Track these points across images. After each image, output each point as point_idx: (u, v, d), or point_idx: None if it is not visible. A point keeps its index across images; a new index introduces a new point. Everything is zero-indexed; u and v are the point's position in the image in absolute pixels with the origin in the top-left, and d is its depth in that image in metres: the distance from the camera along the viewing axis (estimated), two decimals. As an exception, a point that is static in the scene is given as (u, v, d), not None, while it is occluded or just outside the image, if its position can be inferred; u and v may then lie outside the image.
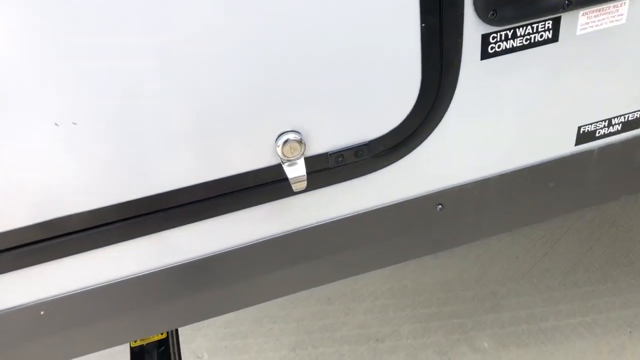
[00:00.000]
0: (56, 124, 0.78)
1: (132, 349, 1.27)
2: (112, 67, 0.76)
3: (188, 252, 1.00)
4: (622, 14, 0.96)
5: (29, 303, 0.93)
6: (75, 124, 0.79)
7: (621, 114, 1.07)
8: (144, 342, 1.28)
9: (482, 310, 2.11)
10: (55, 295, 0.94)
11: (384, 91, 0.91)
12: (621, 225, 2.35)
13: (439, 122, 0.97)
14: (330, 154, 0.94)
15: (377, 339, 2.09)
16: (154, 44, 0.76)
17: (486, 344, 2.00)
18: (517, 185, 1.11)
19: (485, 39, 0.91)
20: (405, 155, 0.99)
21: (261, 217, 0.99)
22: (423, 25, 0.86)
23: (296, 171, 0.91)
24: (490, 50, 0.93)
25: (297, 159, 0.90)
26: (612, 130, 1.09)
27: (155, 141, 0.85)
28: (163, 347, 1.26)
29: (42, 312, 0.94)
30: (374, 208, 1.04)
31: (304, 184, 0.92)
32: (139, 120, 0.82)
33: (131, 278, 0.98)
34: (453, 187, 1.07)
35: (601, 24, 0.96)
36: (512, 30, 0.92)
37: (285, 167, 0.90)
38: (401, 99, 0.93)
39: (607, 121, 1.08)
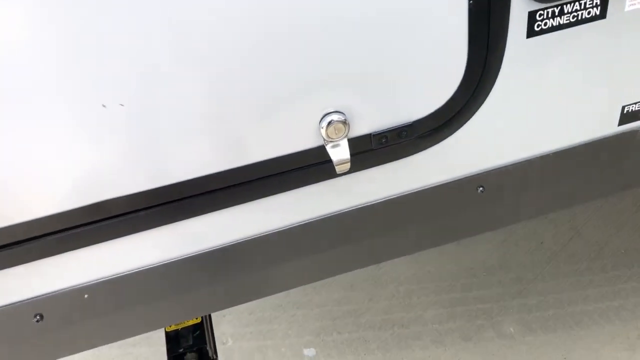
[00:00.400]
0: (103, 105, 0.77)
1: (167, 334, 1.27)
2: (153, 47, 0.75)
3: (222, 238, 0.99)
4: (671, -11, 0.93)
5: (73, 286, 0.93)
6: (122, 105, 0.78)
7: (666, 93, 1.05)
8: (179, 327, 1.28)
9: (507, 295, 2.10)
10: (99, 279, 0.94)
11: (429, 71, 0.89)
12: (646, 210, 2.33)
13: (483, 102, 0.95)
14: (373, 135, 0.92)
15: (402, 325, 2.08)
16: (196, 22, 0.75)
17: (512, 329, 1.99)
18: (559, 166, 1.09)
19: (532, 16, 0.89)
20: (448, 136, 0.97)
21: (301, 201, 0.98)
22: (471, 2, 0.84)
23: (340, 153, 0.89)
24: (536, 28, 0.91)
25: (341, 140, 0.89)
26: (656, 110, 1.07)
27: (198, 123, 0.84)
28: (198, 332, 1.26)
29: (85, 296, 0.94)
30: (415, 190, 1.03)
31: (347, 166, 0.91)
32: (186, 102, 0.81)
33: (167, 263, 0.98)
34: (494, 169, 1.05)
35: (650, 0, 0.93)
36: (559, 7, 0.90)
37: (329, 149, 0.89)
38: (446, 78, 0.91)
39: (651, 100, 1.06)
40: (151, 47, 0.75)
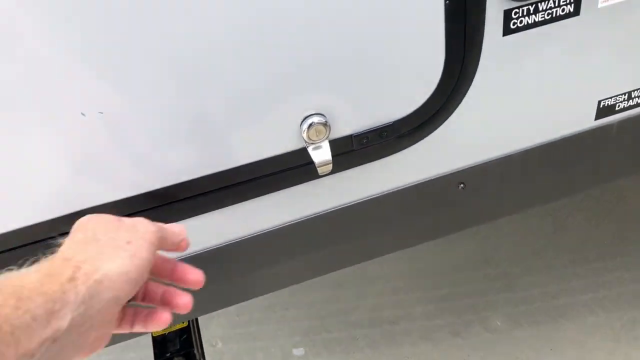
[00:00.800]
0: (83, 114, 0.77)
1: (154, 338, 1.27)
2: (131, 51, 0.76)
3: (206, 242, 1.00)
4: (643, -14, 0.95)
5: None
6: (101, 112, 0.78)
7: (640, 87, 1.07)
8: (166, 332, 1.28)
9: (494, 290, 2.12)
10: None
11: (408, 71, 0.90)
12: (630, 201, 2.36)
13: (462, 100, 0.96)
14: (354, 136, 0.93)
15: (391, 322, 2.10)
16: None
17: (499, 323, 2.02)
18: (539, 161, 1.11)
19: (507, 14, 0.90)
20: (428, 134, 0.98)
21: (284, 202, 0.99)
22: (447, 2, 0.85)
23: (322, 155, 0.90)
24: (512, 26, 0.92)
25: (322, 142, 0.90)
26: (631, 104, 1.09)
27: (177, 128, 0.84)
28: (185, 335, 1.26)
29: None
30: (396, 189, 1.04)
31: (329, 167, 0.91)
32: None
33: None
34: (475, 166, 1.06)
35: (622, -4, 0.95)
36: (534, 5, 0.91)
37: (311, 151, 0.90)
38: (425, 78, 0.92)
39: (627, 94, 1.08)
40: (129, 51, 0.75)
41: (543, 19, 0.93)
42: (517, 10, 0.91)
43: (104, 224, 0.63)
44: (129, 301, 0.63)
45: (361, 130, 0.93)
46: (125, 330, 0.69)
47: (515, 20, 0.92)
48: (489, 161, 1.07)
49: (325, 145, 0.90)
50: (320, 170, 0.91)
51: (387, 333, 2.06)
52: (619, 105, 1.08)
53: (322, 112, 0.89)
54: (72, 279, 0.55)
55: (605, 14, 0.96)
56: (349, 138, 0.93)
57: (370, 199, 1.03)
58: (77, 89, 0.76)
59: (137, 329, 0.70)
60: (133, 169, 0.85)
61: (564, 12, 0.94)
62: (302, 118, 0.88)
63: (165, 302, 0.70)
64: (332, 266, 1.13)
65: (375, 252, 1.13)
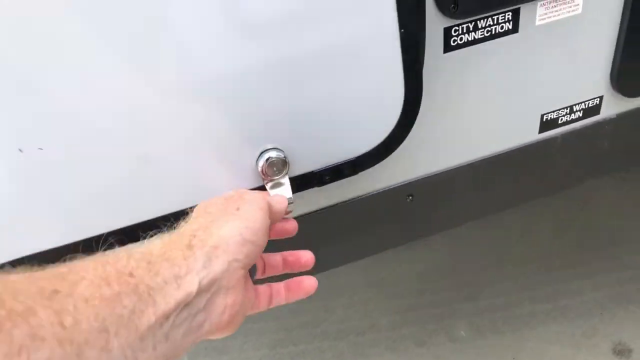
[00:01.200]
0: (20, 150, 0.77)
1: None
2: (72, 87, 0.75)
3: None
4: (578, 4, 0.99)
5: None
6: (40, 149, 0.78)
7: (581, 101, 1.11)
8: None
9: (458, 299, 2.14)
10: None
11: (367, 105, 0.88)
12: (592, 210, 2.41)
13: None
14: (315, 173, 0.91)
15: (357, 333, 2.11)
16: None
17: (463, 333, 2.04)
18: (486, 173, 1.13)
19: (447, 32, 0.93)
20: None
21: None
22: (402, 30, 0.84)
23: (282, 192, 0.85)
24: (452, 43, 0.95)
25: (282, 178, 0.86)
26: (573, 117, 1.13)
27: (125, 167, 0.80)
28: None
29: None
30: (344, 200, 1.06)
31: (292, 207, 0.83)
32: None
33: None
34: (422, 178, 1.09)
35: (559, 14, 0.98)
36: (473, 23, 0.94)
37: (269, 189, 0.86)
38: (386, 111, 0.91)
39: (568, 108, 1.11)
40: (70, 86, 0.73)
41: (482, 36, 0.96)
42: (456, 27, 0.93)
43: (213, 201, 0.67)
44: (252, 274, 0.67)
45: (322, 167, 0.91)
46: (263, 307, 0.73)
47: (456, 38, 0.94)
48: (436, 174, 1.09)
49: (286, 182, 0.86)
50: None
51: (353, 344, 2.08)
52: (561, 119, 1.12)
53: (281, 148, 0.86)
54: (189, 246, 0.58)
55: (543, 31, 0.99)
56: (311, 174, 0.90)
57: (320, 210, 1.04)
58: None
59: (278, 302, 0.75)
60: (71, 214, 0.82)
61: (503, 30, 0.97)
62: (258, 153, 0.85)
63: (289, 268, 0.78)
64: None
65: (330, 263, 1.15)
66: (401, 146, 1.01)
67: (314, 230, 1.06)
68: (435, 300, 2.16)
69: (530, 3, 0.95)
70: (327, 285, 2.24)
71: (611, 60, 1.07)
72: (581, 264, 2.19)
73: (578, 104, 1.11)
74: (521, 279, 2.17)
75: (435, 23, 0.92)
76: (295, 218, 1.01)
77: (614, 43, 1.05)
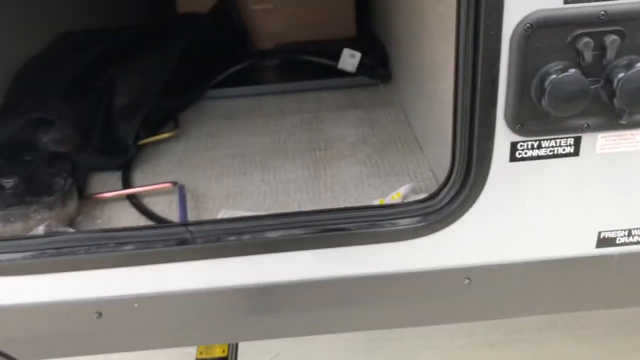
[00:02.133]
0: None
1: (197, 362, 1.51)
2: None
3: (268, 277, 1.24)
4: (638, 141, 1.13)
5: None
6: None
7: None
8: (208, 356, 1.52)
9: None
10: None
11: None
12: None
13: (470, 207, 1.17)
14: None
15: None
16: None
17: None
18: (541, 275, 1.26)
19: (513, 145, 1.12)
20: (440, 229, 1.19)
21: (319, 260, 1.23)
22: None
23: None
24: (517, 155, 1.13)
25: None
26: (632, 240, 1.23)
27: None
28: (224, 364, 1.50)
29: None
30: (410, 271, 1.25)
31: None
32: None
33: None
34: (481, 265, 1.25)
35: (619, 147, 1.13)
36: (537, 142, 1.12)
37: None
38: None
39: (627, 231, 1.22)
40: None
41: (546, 154, 1.14)
42: (522, 143, 1.12)
43: None
44: None
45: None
46: None
47: (521, 151, 1.13)
48: (494, 264, 1.25)
49: None
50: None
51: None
52: (619, 240, 1.23)
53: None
54: None
55: (604, 159, 1.14)
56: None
57: (384, 275, 1.24)
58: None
59: None
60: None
61: (564, 152, 1.14)
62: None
63: None
64: (332, 327, 1.32)
65: (373, 324, 1.32)
66: (464, 232, 1.20)
67: (380, 291, 1.25)
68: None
69: (590, 134, 1.11)
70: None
71: (671, 194, 1.18)
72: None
73: (636, 228, 1.22)
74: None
75: (504, 136, 1.11)
76: (360, 277, 1.22)
77: (674, 180, 1.17)
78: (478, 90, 1.07)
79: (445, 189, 1.18)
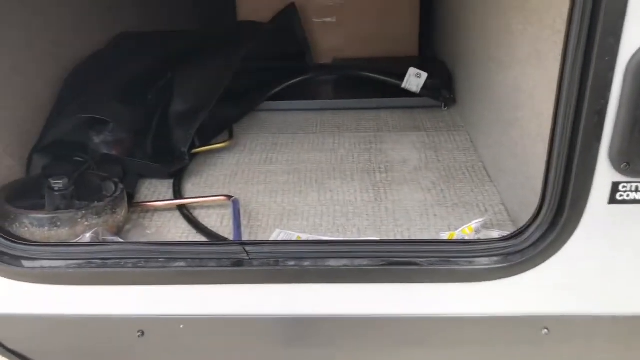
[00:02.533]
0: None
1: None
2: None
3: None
4: None
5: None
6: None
7: None
8: None
9: None
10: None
11: None
12: None
13: (558, 250, 1.05)
14: None
15: None
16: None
17: None
18: (629, 331, 1.13)
19: (615, 186, 1.00)
20: (521, 272, 1.07)
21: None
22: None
23: None
24: (618, 197, 1.01)
25: None
26: None
27: None
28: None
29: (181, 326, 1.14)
30: (484, 315, 1.13)
31: None
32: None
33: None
34: (562, 315, 1.12)
35: None
36: (644, 184, 1.00)
37: None
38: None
39: None
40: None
41: (651, 198, 1.01)
42: (625, 184, 1.00)
43: None
44: None
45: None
46: None
47: (623, 193, 1.01)
48: (577, 316, 1.12)
49: None
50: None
51: None
52: None
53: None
54: None
55: None
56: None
57: (450, 317, 1.13)
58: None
59: None
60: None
61: (673, 198, 1.01)
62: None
63: None
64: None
65: None
66: (547, 278, 1.08)
67: (449, 333, 1.14)
68: None
69: None
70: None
71: None
72: None
73: None
74: None
75: (605, 175, 0.99)
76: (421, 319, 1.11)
77: None
78: (582, 122, 0.95)
79: (532, 229, 1.06)
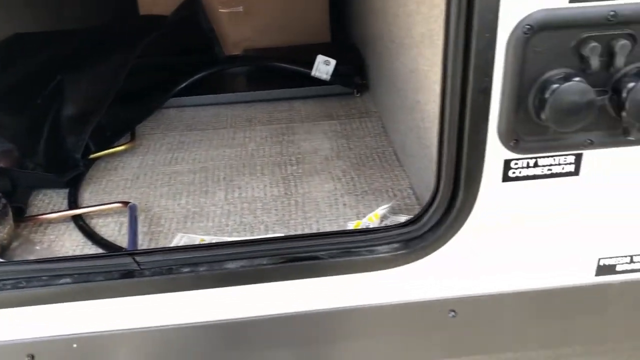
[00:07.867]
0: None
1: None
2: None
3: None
4: (642, 158, 1.01)
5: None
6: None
7: (641, 253, 1.10)
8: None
9: None
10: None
11: None
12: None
13: (457, 232, 1.04)
14: None
15: None
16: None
17: None
18: (534, 306, 1.14)
19: (507, 163, 0.99)
20: (423, 257, 1.05)
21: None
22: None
23: None
24: (511, 175, 1.00)
25: None
26: (633, 267, 1.12)
27: None
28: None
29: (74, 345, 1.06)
30: (388, 303, 1.11)
31: None
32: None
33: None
34: (467, 297, 1.11)
35: (625, 166, 1.01)
36: (533, 160, 1.00)
37: None
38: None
39: (629, 257, 1.11)
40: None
41: (542, 173, 1.01)
42: (516, 161, 0.99)
43: None
44: None
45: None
46: None
47: (515, 170, 1.00)
48: (482, 295, 1.11)
49: None
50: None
51: None
52: (619, 267, 1.11)
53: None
54: None
55: (607, 179, 1.02)
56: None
57: (355, 309, 1.10)
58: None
59: None
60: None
61: (563, 171, 1.01)
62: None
63: None
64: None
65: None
66: (449, 261, 1.07)
67: (356, 325, 1.11)
68: None
69: (594, 150, 0.99)
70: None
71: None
72: None
73: (638, 255, 1.10)
74: None
75: (496, 153, 0.98)
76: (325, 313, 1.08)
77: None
78: (468, 102, 0.94)
79: (429, 213, 1.04)
